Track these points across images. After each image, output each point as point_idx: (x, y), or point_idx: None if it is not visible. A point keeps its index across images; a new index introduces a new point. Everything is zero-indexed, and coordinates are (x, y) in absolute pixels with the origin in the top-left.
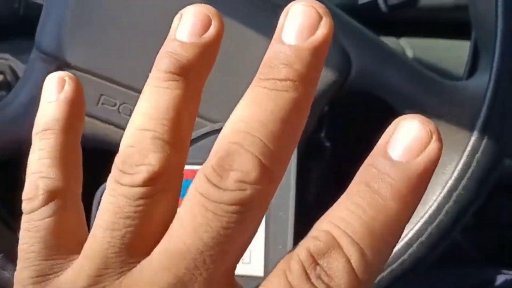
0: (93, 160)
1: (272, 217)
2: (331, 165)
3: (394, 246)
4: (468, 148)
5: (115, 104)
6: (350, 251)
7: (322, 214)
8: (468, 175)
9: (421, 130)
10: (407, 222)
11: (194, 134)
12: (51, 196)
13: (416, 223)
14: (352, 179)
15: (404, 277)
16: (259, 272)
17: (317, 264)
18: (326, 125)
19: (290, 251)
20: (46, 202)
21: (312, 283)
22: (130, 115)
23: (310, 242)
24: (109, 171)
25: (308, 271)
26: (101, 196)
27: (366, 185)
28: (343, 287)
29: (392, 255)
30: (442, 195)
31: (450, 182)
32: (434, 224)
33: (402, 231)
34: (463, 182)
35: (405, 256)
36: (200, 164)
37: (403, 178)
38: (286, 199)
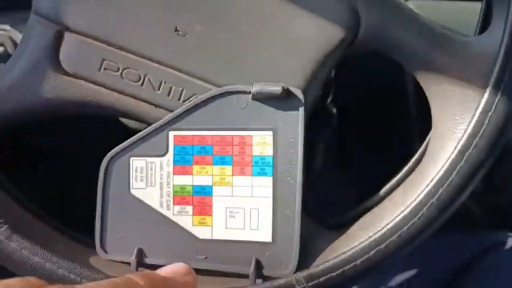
0: (97, 127)
1: (280, 182)
2: (338, 132)
3: None
4: (481, 106)
5: (118, 69)
6: None
7: (328, 181)
8: (480, 133)
9: (183, 267)
10: None
11: (199, 99)
12: None
13: (427, 185)
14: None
15: (415, 240)
16: (267, 238)
17: None
18: (332, 92)
19: None
20: None
21: None
22: (134, 80)
23: None
24: (114, 138)
25: None
26: (107, 164)
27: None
28: None
29: (402, 218)
30: (453, 155)
31: (462, 141)
32: (446, 184)
33: None
34: (476, 141)
35: (415, 219)
36: (204, 129)
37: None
38: (294, 165)
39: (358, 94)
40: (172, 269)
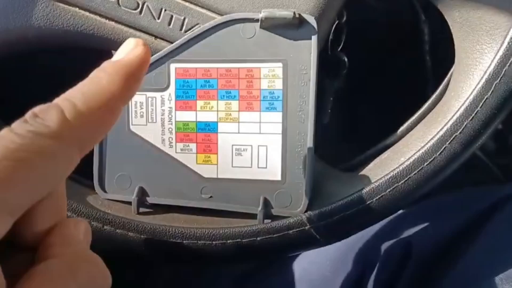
0: (90, 61)
1: (290, 118)
2: (348, 80)
3: (107, 104)
4: (510, 34)
5: None
6: (63, 104)
7: (338, 129)
8: (509, 62)
9: (130, 41)
10: (118, 91)
11: (202, 28)
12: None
13: (450, 118)
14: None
15: (435, 177)
16: (276, 177)
17: (36, 116)
18: (343, 38)
19: None
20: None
21: (28, 122)
22: (132, 8)
23: (36, 107)
24: None
25: (28, 119)
26: None
27: (91, 74)
28: (53, 123)
29: (422, 153)
30: (480, 85)
31: (490, 70)
32: (471, 117)
33: (115, 98)
34: (505, 69)
35: (437, 154)
36: (208, 61)
37: (115, 66)
38: (306, 99)
39: (369, 42)
40: (117, 54)
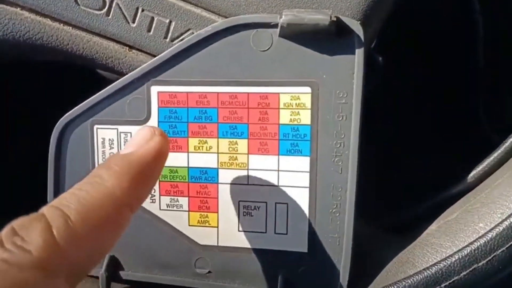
0: (46, 74)
1: (322, 165)
2: (383, 82)
3: (110, 217)
4: None
5: None
6: (53, 219)
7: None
8: None
9: (145, 130)
10: (126, 199)
11: (196, 36)
12: None
13: None
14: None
15: None
16: (302, 247)
17: (16, 234)
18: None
19: None
20: None
21: (5, 248)
22: (95, 8)
23: (17, 220)
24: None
25: (4, 241)
26: (60, 134)
27: (92, 173)
28: (36, 248)
29: None
30: None
31: None
32: None
33: (121, 207)
34: None
35: None
36: (205, 83)
37: (123, 163)
38: (345, 138)
39: (408, 38)
40: (128, 146)
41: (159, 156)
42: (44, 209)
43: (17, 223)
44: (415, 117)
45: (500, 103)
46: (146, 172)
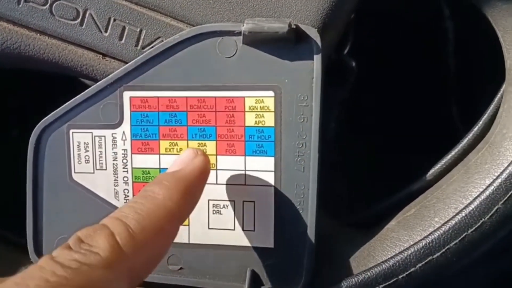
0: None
1: (286, 165)
2: (355, 89)
3: (163, 227)
4: None
5: (46, 2)
6: (115, 228)
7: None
8: None
9: (189, 151)
10: (176, 210)
11: (165, 43)
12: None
13: (508, 165)
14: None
15: (480, 247)
16: (268, 243)
17: (82, 242)
18: (351, 40)
19: None
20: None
21: (72, 249)
22: (69, 18)
23: (81, 231)
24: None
25: (73, 247)
26: (38, 139)
27: (145, 188)
28: (103, 251)
29: (466, 215)
30: None
31: None
32: None
33: (173, 218)
34: None
35: (486, 217)
36: (174, 88)
37: (172, 179)
38: (307, 139)
39: (381, 43)
40: (174, 164)
41: (203, 173)
42: (105, 220)
43: (82, 232)
44: (390, 118)
45: (472, 104)
46: (192, 187)
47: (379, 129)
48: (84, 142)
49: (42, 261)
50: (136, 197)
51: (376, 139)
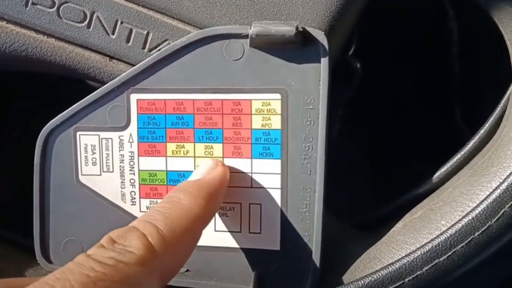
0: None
1: (292, 167)
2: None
3: (190, 229)
4: None
5: (53, 4)
6: (146, 229)
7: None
8: None
9: (209, 161)
10: (201, 214)
11: (172, 46)
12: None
13: None
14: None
15: (487, 250)
16: (274, 246)
17: (115, 242)
18: (355, 41)
19: None
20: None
21: (107, 248)
22: (76, 20)
23: (112, 232)
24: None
25: (106, 246)
26: (45, 141)
27: (169, 194)
28: (137, 249)
29: (473, 218)
30: None
31: None
32: None
33: (198, 220)
34: None
35: (492, 221)
36: (181, 91)
37: (195, 186)
38: (313, 142)
39: (386, 44)
40: (196, 174)
41: (223, 181)
42: (134, 223)
43: (113, 233)
44: (394, 121)
45: (476, 107)
46: (214, 194)
47: (382, 130)
48: (91, 145)
49: (79, 259)
50: (162, 202)
51: (379, 141)
